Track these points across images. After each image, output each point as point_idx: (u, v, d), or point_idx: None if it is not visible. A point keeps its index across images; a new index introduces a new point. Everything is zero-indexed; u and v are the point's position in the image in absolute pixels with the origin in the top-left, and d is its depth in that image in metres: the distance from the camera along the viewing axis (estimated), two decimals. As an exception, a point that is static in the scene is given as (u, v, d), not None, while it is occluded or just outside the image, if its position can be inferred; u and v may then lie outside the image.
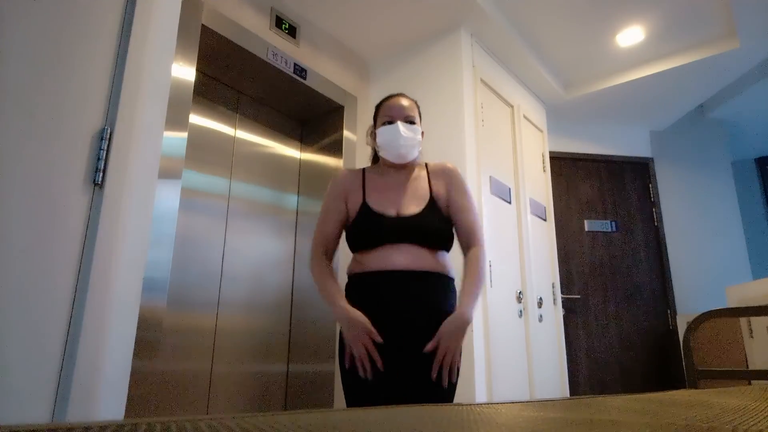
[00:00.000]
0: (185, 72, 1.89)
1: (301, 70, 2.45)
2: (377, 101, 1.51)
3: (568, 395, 2.98)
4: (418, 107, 1.49)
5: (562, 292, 3.26)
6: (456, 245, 1.42)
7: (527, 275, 2.71)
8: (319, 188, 2.67)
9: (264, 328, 2.44)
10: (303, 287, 2.57)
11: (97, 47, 1.13)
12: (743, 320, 2.58)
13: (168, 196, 1.74)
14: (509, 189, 2.78)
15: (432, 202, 1.38)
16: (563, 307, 3.20)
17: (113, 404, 1.06)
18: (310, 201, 2.69)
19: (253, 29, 2.26)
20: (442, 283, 1.33)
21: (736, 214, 3.69)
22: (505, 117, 2.91)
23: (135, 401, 1.44)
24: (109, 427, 0.43)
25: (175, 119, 1.81)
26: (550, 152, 3.47)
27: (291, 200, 2.71)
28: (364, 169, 1.48)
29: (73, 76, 1.08)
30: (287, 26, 2.44)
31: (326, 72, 2.61)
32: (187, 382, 2.08)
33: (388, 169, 1.45)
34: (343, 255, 1.59)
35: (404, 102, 1.44)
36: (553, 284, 3.04)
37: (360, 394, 1.25)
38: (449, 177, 1.43)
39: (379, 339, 1.21)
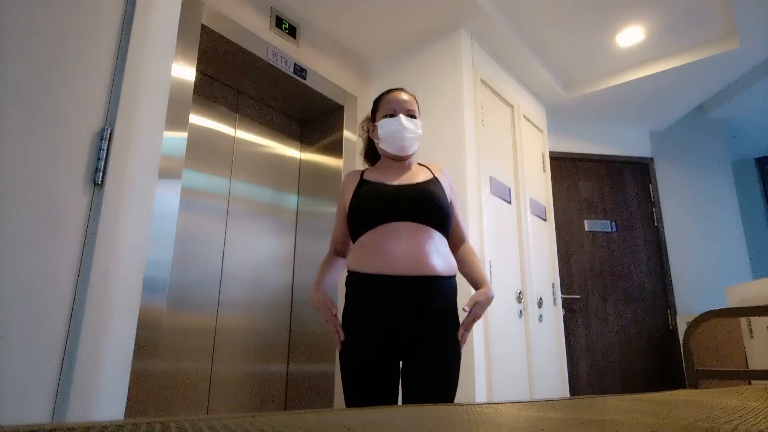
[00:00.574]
0: (185, 72, 1.89)
1: (301, 70, 2.45)
2: (377, 100, 1.52)
3: (568, 395, 2.98)
4: (417, 103, 1.49)
5: (562, 292, 3.26)
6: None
7: (527, 275, 2.71)
8: (319, 188, 2.67)
9: (264, 328, 2.44)
10: (303, 287, 2.57)
11: (97, 47, 1.13)
12: (743, 320, 2.58)
13: (168, 196, 1.74)
14: (509, 189, 2.78)
15: (435, 179, 1.41)
16: (563, 307, 3.20)
17: (113, 404, 1.06)
18: (310, 201, 2.69)
19: (253, 29, 2.26)
20: (443, 286, 1.29)
21: (736, 214, 3.68)
22: (505, 117, 2.91)
23: (135, 401, 1.44)
24: (109, 427, 0.43)
25: (175, 119, 1.81)
26: (550, 152, 3.47)
27: (291, 200, 2.71)
28: (363, 170, 1.50)
29: (73, 76, 1.08)
30: (287, 26, 2.44)
31: (326, 72, 2.61)
32: (187, 382, 2.08)
33: (387, 162, 1.46)
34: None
35: (405, 96, 1.45)
36: (553, 284, 3.04)
37: (359, 390, 1.26)
38: (446, 176, 1.47)
39: (334, 309, 1.33)
